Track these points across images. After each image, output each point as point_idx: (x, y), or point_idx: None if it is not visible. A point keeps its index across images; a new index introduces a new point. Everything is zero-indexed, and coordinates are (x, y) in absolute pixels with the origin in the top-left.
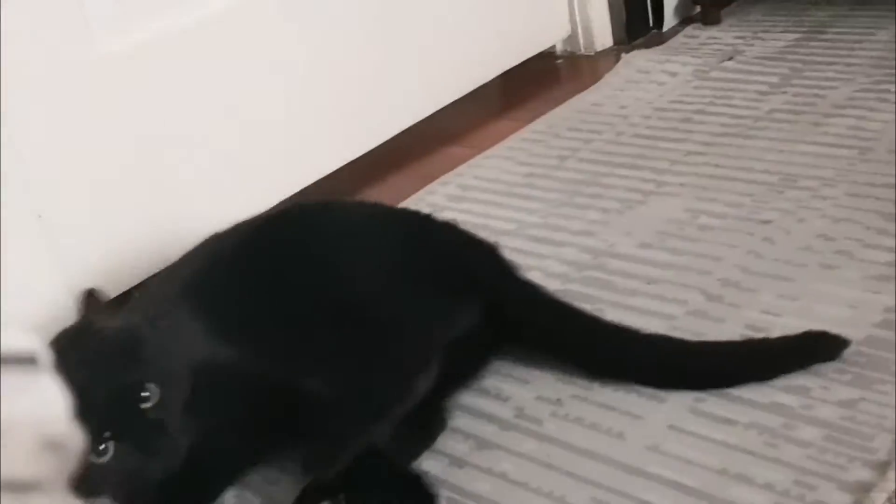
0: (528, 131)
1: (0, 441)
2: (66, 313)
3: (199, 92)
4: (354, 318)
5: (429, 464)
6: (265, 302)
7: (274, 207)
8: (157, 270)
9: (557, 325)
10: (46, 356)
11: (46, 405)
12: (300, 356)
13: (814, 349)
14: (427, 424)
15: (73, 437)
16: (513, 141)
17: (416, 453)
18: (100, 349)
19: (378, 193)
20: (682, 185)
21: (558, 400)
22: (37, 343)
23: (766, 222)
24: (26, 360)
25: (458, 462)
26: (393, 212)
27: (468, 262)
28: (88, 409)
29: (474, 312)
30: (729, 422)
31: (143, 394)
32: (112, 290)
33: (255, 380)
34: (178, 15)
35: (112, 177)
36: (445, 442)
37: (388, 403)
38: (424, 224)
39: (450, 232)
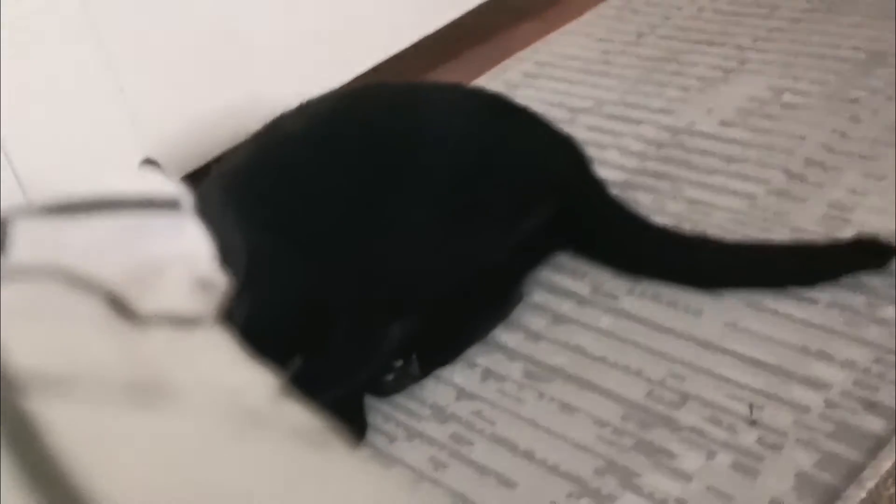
0: (605, 6)
1: (162, 279)
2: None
3: None
4: (427, 207)
5: (505, 336)
6: (332, 187)
7: (346, 87)
8: (235, 143)
9: (623, 239)
10: (188, 200)
11: (194, 246)
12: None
13: (862, 257)
14: (504, 297)
15: (220, 276)
16: (589, 16)
17: (492, 324)
18: None
19: (453, 70)
20: (765, 62)
21: (635, 277)
22: (179, 188)
23: (853, 101)
24: (171, 204)
25: (534, 336)
26: (472, 97)
27: (544, 161)
28: None
29: (549, 205)
30: (810, 300)
31: None
32: (193, 162)
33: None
34: None
35: (189, 51)
36: (522, 316)
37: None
38: (503, 112)
39: (528, 123)
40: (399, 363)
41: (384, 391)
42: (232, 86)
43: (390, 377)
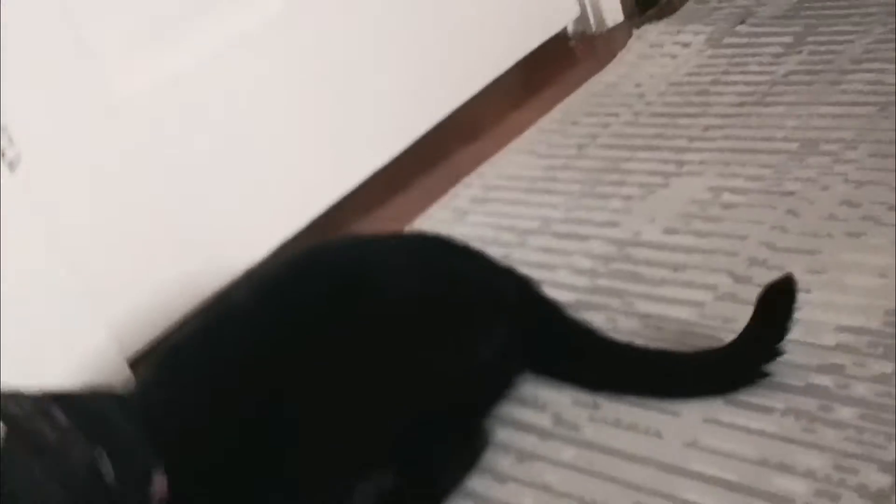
0: (546, 120)
1: None
2: (109, 365)
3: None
4: (385, 357)
5: (474, 481)
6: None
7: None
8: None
9: (577, 353)
10: None
11: None
12: (329, 401)
13: (774, 305)
14: (470, 444)
15: None
16: (531, 132)
17: (466, 470)
18: None
19: (404, 202)
20: (702, 162)
21: (595, 403)
22: None
23: (789, 194)
24: None
25: (500, 477)
26: (412, 242)
27: (490, 289)
28: None
29: (503, 333)
30: (765, 409)
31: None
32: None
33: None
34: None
35: (143, 219)
36: (487, 457)
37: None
38: (446, 252)
39: (468, 257)
40: None
41: None
42: (188, 250)
43: None
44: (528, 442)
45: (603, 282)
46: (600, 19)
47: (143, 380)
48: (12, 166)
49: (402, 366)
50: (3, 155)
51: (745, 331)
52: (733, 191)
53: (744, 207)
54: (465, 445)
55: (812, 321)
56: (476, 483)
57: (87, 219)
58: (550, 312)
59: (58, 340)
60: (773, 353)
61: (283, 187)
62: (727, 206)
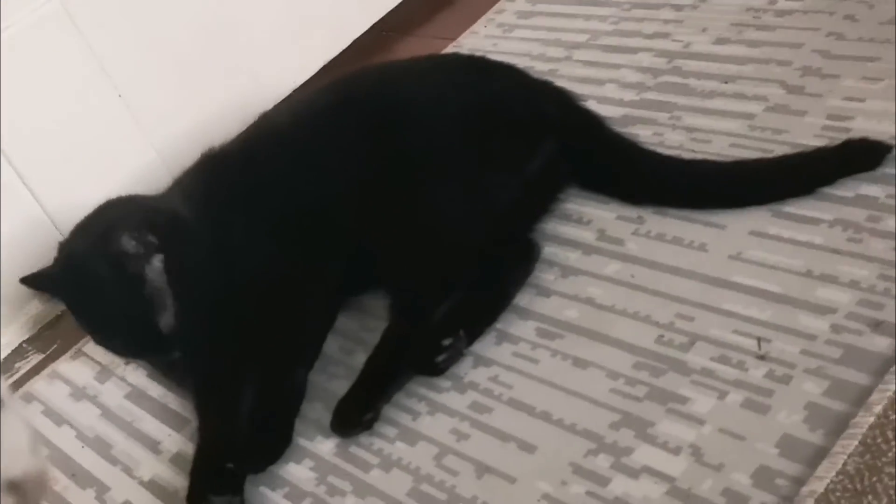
0: None
1: None
2: (154, 171)
3: None
4: (430, 175)
5: (518, 296)
6: (335, 167)
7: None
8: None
9: (621, 165)
10: (7, 394)
11: (6, 447)
12: (380, 213)
13: (854, 158)
14: (522, 255)
15: (33, 475)
16: None
17: (519, 284)
18: None
19: (450, 14)
20: None
21: (639, 217)
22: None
23: None
24: None
25: (544, 291)
26: (452, 63)
27: (531, 103)
28: None
29: (546, 147)
30: (812, 221)
31: None
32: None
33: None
34: None
35: (183, 48)
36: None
37: (472, 245)
38: (484, 71)
39: (506, 74)
40: (448, 341)
41: (437, 371)
42: (228, 74)
43: (441, 357)
44: (573, 257)
45: (651, 95)
46: None
47: (179, 181)
48: None
49: (450, 187)
50: None
51: (811, 152)
52: None
53: (799, 14)
54: (518, 259)
55: (865, 130)
56: (521, 297)
57: (133, 49)
58: (592, 126)
59: (109, 160)
60: (831, 177)
61: (324, 7)
62: (782, 12)
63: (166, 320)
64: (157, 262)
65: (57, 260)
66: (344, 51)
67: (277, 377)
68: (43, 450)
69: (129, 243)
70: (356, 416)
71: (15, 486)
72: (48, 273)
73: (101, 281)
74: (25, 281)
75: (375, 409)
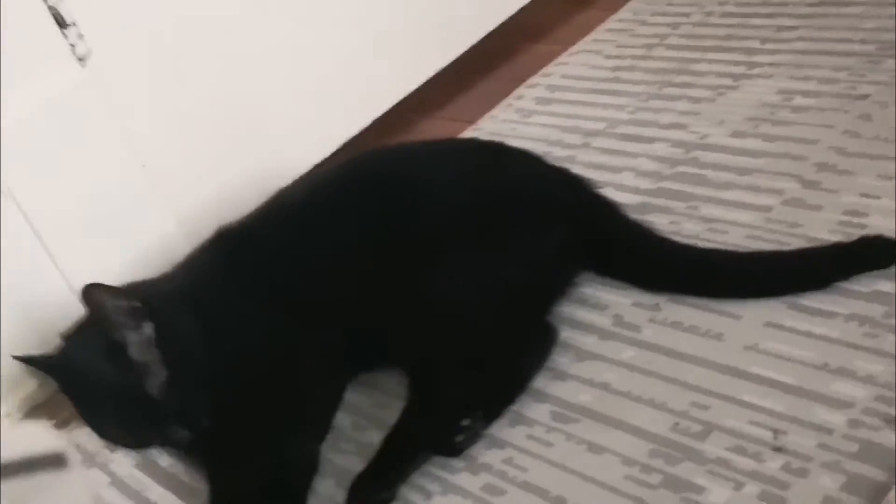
0: (613, 21)
1: None
2: (174, 244)
3: (273, 39)
4: (446, 257)
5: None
6: (347, 245)
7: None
8: (259, 201)
9: (636, 252)
10: (74, 456)
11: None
12: (393, 294)
13: (869, 255)
14: (540, 339)
15: None
16: (598, 33)
17: (537, 367)
18: None
19: (466, 103)
20: (774, 64)
21: (656, 305)
22: (64, 443)
23: (863, 97)
24: (55, 461)
25: (560, 375)
26: (469, 147)
27: (547, 189)
28: None
29: (562, 233)
30: (829, 314)
31: None
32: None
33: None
34: None
35: (206, 121)
36: None
37: (489, 330)
38: (500, 156)
39: (523, 159)
40: (467, 422)
41: (455, 451)
42: (251, 150)
43: (461, 437)
44: (589, 341)
45: (667, 184)
46: None
47: (194, 255)
48: (83, 62)
49: (466, 270)
50: (75, 50)
51: (827, 247)
52: (805, 94)
53: (815, 111)
54: (536, 342)
55: (881, 227)
56: (536, 380)
57: (157, 119)
58: (608, 213)
59: (130, 231)
60: (846, 273)
61: (346, 86)
62: (798, 109)
63: (154, 387)
64: (148, 329)
65: (58, 348)
66: (364, 129)
67: (287, 449)
68: None
69: (112, 306)
70: (373, 494)
71: None
72: (45, 358)
73: (91, 357)
74: (25, 361)
75: (392, 487)
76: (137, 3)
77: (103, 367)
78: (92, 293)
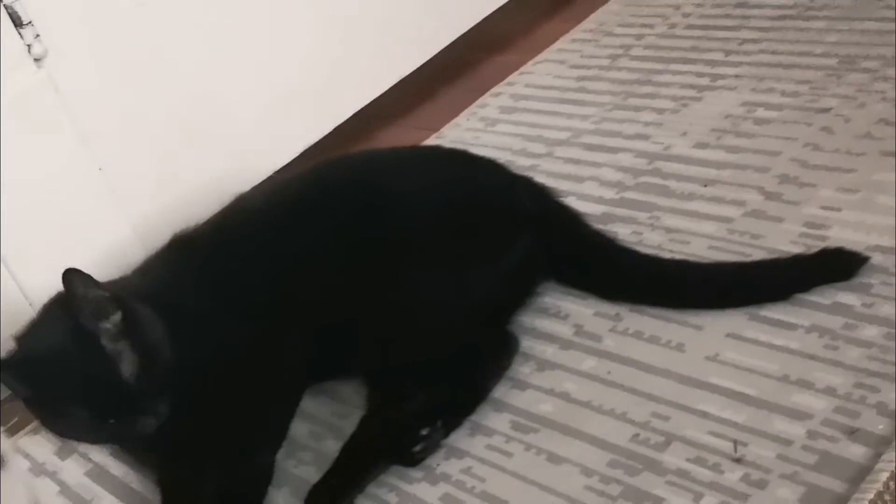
0: (578, 31)
1: None
2: (130, 249)
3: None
4: (408, 265)
5: (493, 389)
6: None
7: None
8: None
9: (597, 260)
10: (13, 457)
11: None
12: (357, 301)
13: (830, 267)
14: (501, 348)
15: None
16: (563, 43)
17: (497, 377)
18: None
19: (433, 105)
20: (737, 76)
21: (617, 315)
22: (4, 443)
23: (825, 110)
24: None
25: (520, 384)
26: (433, 155)
27: (510, 197)
28: None
29: (524, 241)
30: (789, 326)
31: None
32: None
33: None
34: None
35: (165, 124)
36: None
37: (450, 339)
38: (465, 164)
39: (487, 168)
40: (426, 431)
41: (414, 461)
42: (210, 154)
43: (419, 447)
44: (549, 351)
45: (631, 195)
46: None
47: (150, 260)
48: (39, 62)
49: (428, 277)
50: (31, 50)
51: (789, 258)
52: (768, 106)
53: (778, 123)
54: (496, 351)
55: (841, 240)
56: (496, 389)
57: (114, 121)
58: (571, 222)
59: (85, 235)
60: (807, 284)
61: (308, 92)
62: (761, 121)
63: (128, 370)
64: (116, 317)
65: (11, 350)
66: (326, 136)
67: (242, 456)
68: None
69: (82, 294)
70: None
71: None
72: (5, 362)
73: (58, 347)
74: None
75: (349, 497)
76: (96, 3)
77: (71, 358)
78: (71, 279)
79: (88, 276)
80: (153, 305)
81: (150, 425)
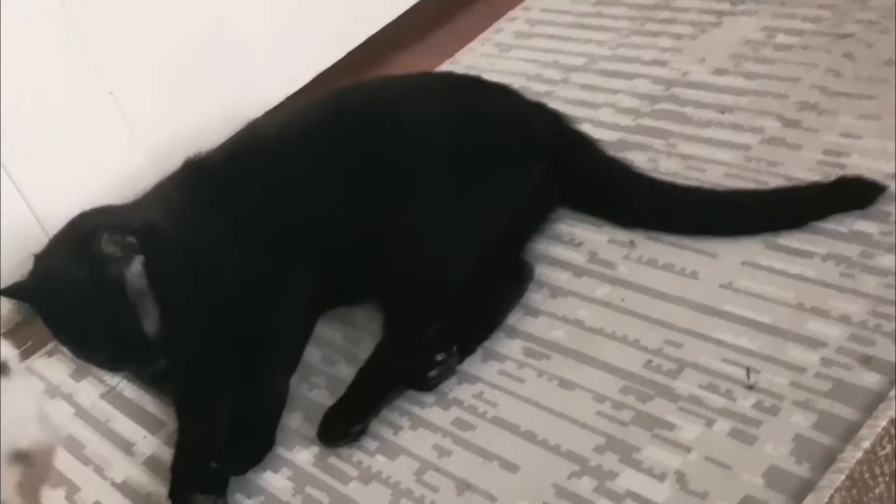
0: None
1: None
2: (141, 174)
3: None
4: (421, 194)
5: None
6: (321, 180)
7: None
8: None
9: (611, 188)
10: (16, 362)
11: (14, 416)
12: (369, 229)
13: (848, 195)
14: (515, 275)
15: (42, 446)
16: None
17: (511, 304)
18: None
19: (445, 36)
20: (758, 1)
21: (631, 242)
22: (6, 350)
23: (848, 36)
24: None
25: (533, 311)
26: (446, 82)
27: (524, 124)
28: None
29: (538, 168)
30: (806, 254)
31: None
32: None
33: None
34: None
35: (176, 49)
36: None
37: (464, 266)
38: (478, 91)
39: (500, 94)
40: (441, 357)
41: (429, 386)
42: (221, 79)
43: (434, 372)
44: (563, 278)
45: (647, 121)
46: None
47: (163, 185)
48: None
49: (441, 206)
50: None
51: (806, 186)
52: (788, 32)
53: (798, 49)
54: (511, 279)
55: (860, 168)
56: (509, 317)
57: (125, 47)
58: (586, 149)
59: (96, 158)
60: (824, 212)
61: (321, 17)
62: (781, 47)
63: (150, 325)
64: (138, 264)
65: (33, 272)
66: (338, 62)
67: (257, 381)
68: (53, 420)
69: (108, 246)
70: (345, 427)
71: (22, 457)
72: (25, 285)
73: (83, 289)
74: (1, 292)
75: (364, 421)
76: None
77: (91, 303)
78: (95, 234)
79: (113, 223)
80: (169, 237)
81: (163, 366)
